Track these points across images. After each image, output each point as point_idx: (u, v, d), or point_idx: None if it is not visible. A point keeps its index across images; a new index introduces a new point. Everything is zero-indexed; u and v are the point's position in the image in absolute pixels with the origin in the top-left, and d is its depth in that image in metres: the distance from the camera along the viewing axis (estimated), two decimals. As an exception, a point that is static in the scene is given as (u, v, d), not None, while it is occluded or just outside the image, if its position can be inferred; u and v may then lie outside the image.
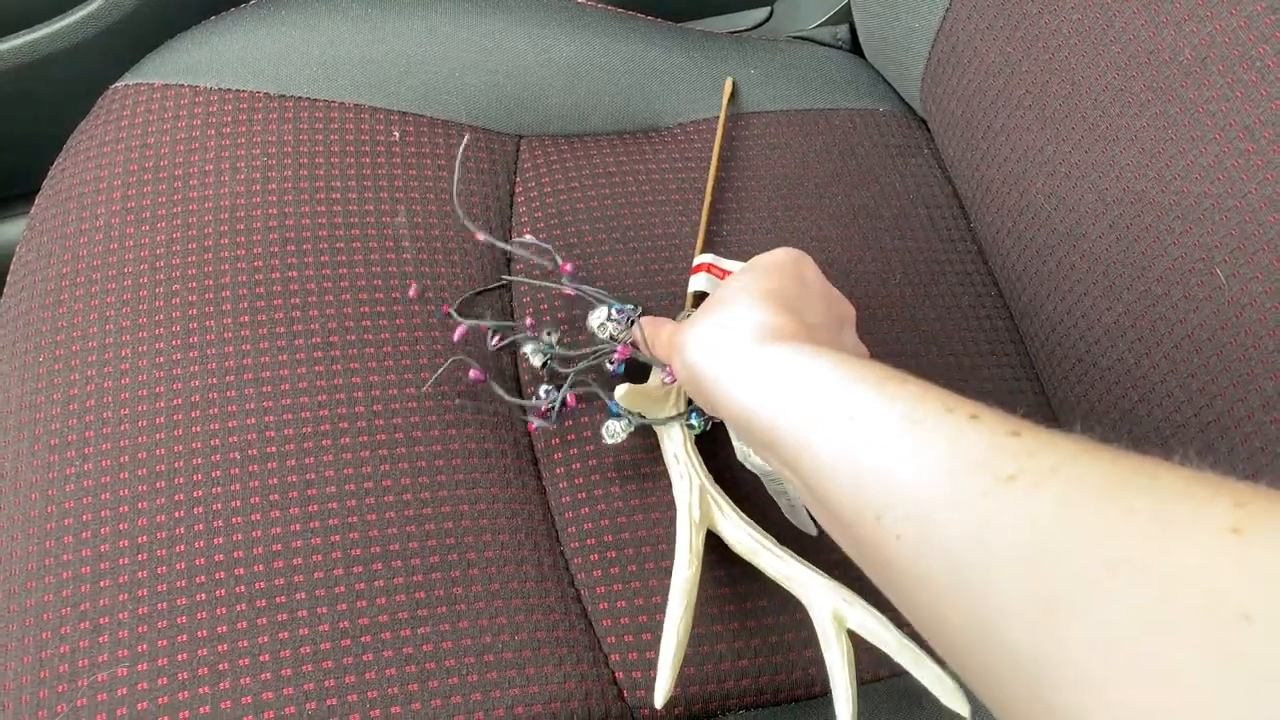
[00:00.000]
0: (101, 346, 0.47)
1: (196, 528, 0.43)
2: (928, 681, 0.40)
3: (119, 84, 0.56)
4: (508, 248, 0.51)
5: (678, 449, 0.46)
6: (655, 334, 0.45)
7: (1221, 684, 0.18)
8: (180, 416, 0.45)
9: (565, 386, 0.47)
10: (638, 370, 0.48)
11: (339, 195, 0.52)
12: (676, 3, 0.74)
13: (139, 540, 0.42)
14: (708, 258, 0.51)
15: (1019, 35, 0.53)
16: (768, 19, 0.79)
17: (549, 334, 0.49)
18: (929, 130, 0.64)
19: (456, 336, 0.49)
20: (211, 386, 0.46)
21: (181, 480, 0.44)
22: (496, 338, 0.50)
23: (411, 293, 0.50)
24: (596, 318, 0.48)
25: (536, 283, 0.52)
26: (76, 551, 0.42)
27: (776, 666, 0.45)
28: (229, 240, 0.50)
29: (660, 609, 0.42)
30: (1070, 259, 0.51)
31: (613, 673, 0.44)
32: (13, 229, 0.74)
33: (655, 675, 0.41)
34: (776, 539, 0.43)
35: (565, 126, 0.60)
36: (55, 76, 0.64)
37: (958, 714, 0.40)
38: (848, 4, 0.70)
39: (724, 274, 0.50)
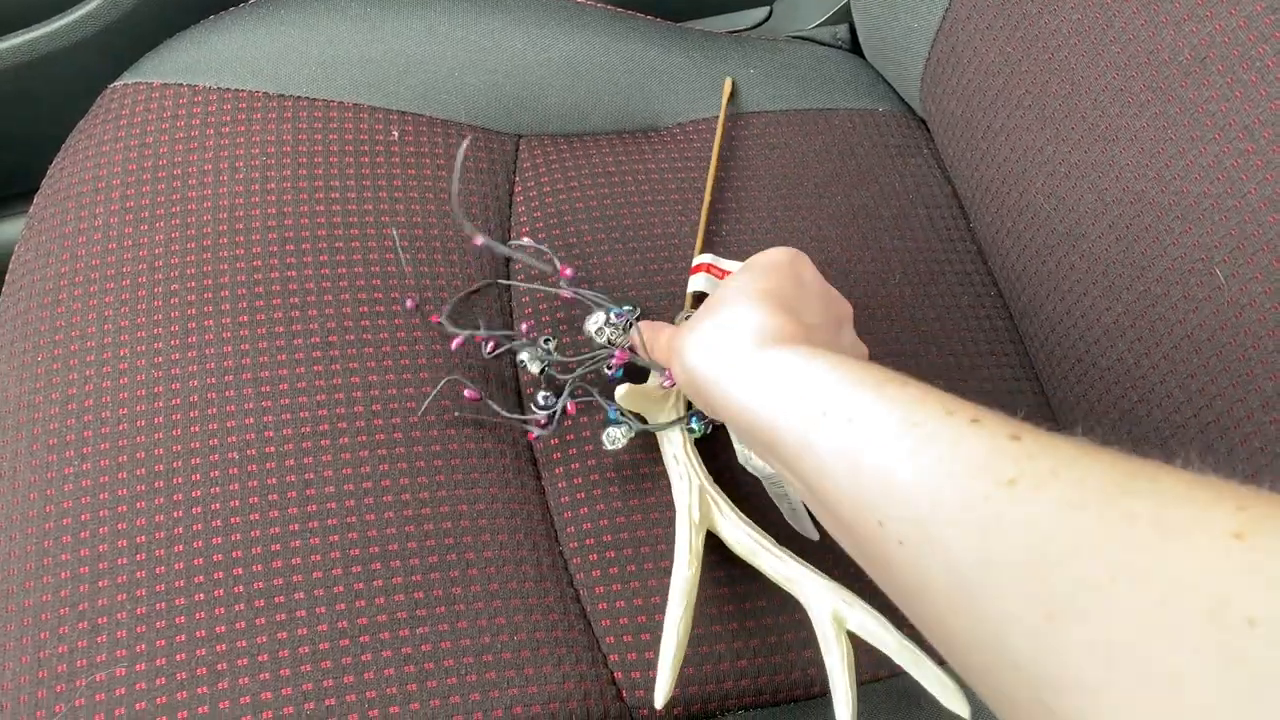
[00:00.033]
0: (100, 346, 0.47)
1: (195, 527, 0.43)
2: (927, 682, 0.40)
3: (118, 83, 0.56)
4: (508, 252, 0.51)
5: (677, 450, 0.46)
6: (653, 338, 0.45)
7: (1225, 689, 0.18)
8: (179, 416, 0.45)
9: (564, 396, 0.47)
10: (636, 375, 0.48)
11: (338, 195, 0.52)
12: (676, 2, 0.74)
13: (137, 540, 0.42)
14: (707, 258, 0.51)
15: (1018, 35, 0.53)
16: (767, 19, 0.79)
17: (546, 341, 0.49)
18: (928, 130, 0.64)
19: (454, 346, 0.48)
20: (210, 386, 0.46)
21: (180, 480, 0.44)
22: (492, 344, 0.50)
23: (409, 305, 0.50)
24: (593, 323, 0.47)
25: (533, 287, 0.52)
26: (75, 551, 0.42)
27: (776, 667, 0.45)
28: (228, 240, 0.50)
29: (659, 609, 0.42)
30: (1070, 259, 0.51)
31: (612, 673, 0.44)
32: (11, 228, 0.74)
33: (654, 675, 0.41)
34: (776, 540, 0.43)
35: (564, 126, 0.60)
36: (54, 75, 0.63)
37: (957, 715, 0.40)
38: (847, 4, 0.70)
39: (723, 274, 0.50)
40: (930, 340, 0.55)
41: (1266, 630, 0.18)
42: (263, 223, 0.51)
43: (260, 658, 0.40)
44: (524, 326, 0.51)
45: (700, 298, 0.50)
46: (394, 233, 0.51)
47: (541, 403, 0.48)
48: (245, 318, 0.48)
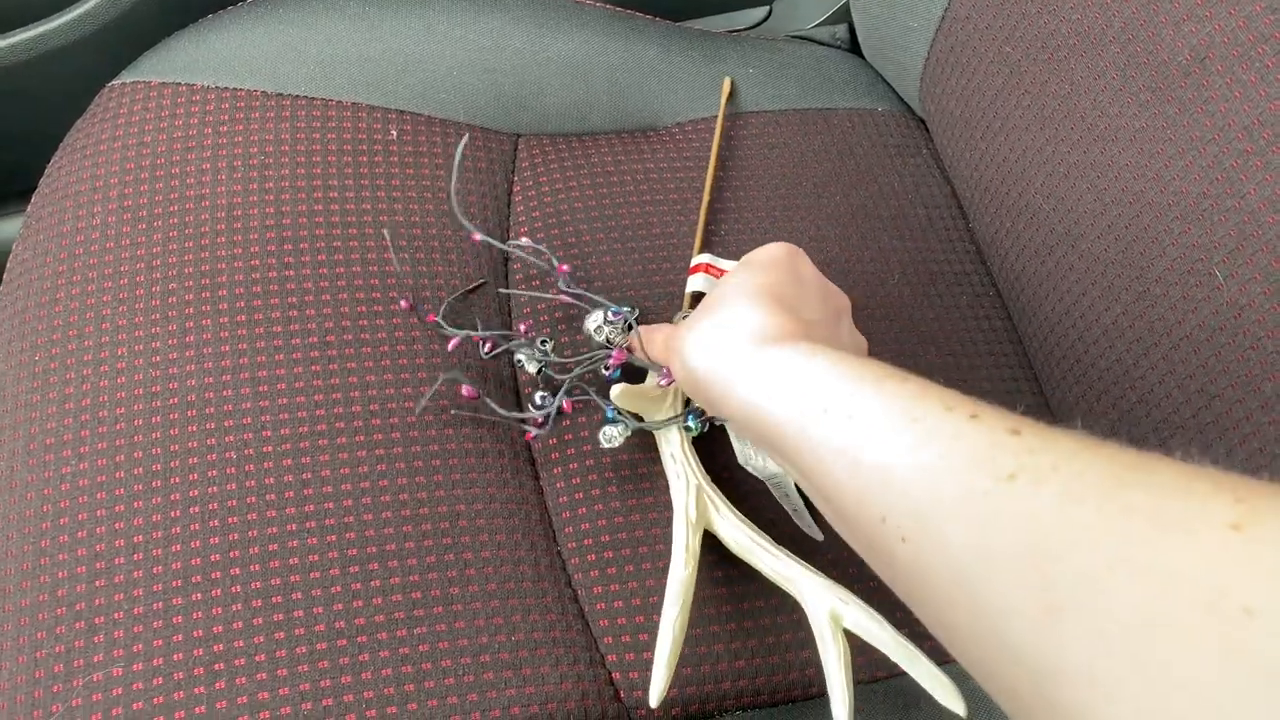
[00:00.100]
0: (98, 345, 0.47)
1: (193, 527, 0.43)
2: (924, 680, 0.40)
3: (116, 82, 0.56)
4: (504, 247, 0.51)
5: (675, 449, 0.46)
6: (650, 337, 0.45)
7: (1224, 679, 0.18)
8: (176, 416, 0.45)
9: (560, 393, 0.47)
10: (634, 375, 0.48)
11: (336, 194, 0.52)
12: (675, 2, 0.74)
13: (135, 540, 0.42)
14: (705, 258, 0.51)
15: (1018, 35, 0.53)
16: (766, 18, 0.79)
17: (543, 341, 0.49)
18: (927, 130, 0.64)
19: (451, 346, 0.48)
20: (208, 386, 0.46)
21: (178, 480, 0.44)
22: (489, 344, 0.50)
23: (404, 305, 0.50)
24: (593, 321, 0.48)
25: (530, 293, 0.52)
26: (72, 551, 0.42)
27: (773, 667, 0.45)
28: (226, 239, 0.50)
29: (658, 609, 0.42)
30: (1069, 259, 0.51)
31: (609, 673, 0.44)
32: (9, 227, 0.74)
33: (652, 676, 0.41)
34: (773, 539, 0.43)
35: (563, 125, 0.60)
36: (52, 74, 0.63)
37: (955, 715, 0.40)
38: (846, 3, 0.70)
39: (721, 274, 0.50)
40: (929, 340, 0.55)
41: (1265, 621, 0.18)
42: (261, 222, 0.51)
43: (258, 658, 0.40)
44: (522, 327, 0.51)
45: (698, 298, 0.50)
46: (386, 231, 0.51)
47: (539, 403, 0.48)
48: (243, 317, 0.48)
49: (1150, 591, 0.20)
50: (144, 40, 0.59)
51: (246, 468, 0.44)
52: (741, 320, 0.36)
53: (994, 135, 0.55)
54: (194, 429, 0.45)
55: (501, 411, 0.48)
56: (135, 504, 0.43)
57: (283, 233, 0.50)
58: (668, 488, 0.46)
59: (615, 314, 0.47)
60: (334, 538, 0.43)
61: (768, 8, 0.79)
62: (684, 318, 0.49)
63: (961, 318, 0.56)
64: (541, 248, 0.51)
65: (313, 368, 0.47)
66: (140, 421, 0.45)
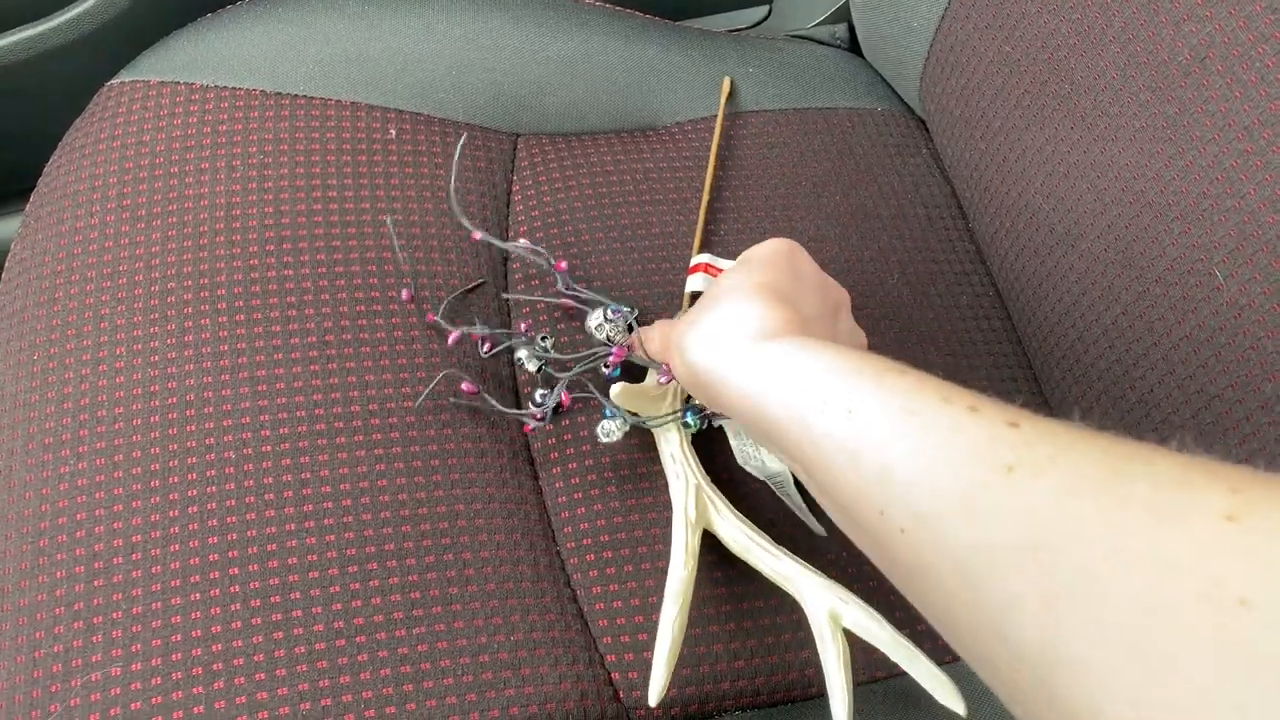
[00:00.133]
0: (96, 345, 0.47)
1: (191, 527, 0.43)
2: (923, 679, 0.40)
3: (114, 81, 0.56)
4: (504, 246, 0.51)
5: (674, 449, 0.45)
6: (647, 335, 0.45)
7: (1220, 670, 0.18)
8: (175, 415, 0.45)
9: (559, 387, 0.47)
10: (633, 373, 0.48)
11: (335, 194, 0.52)
12: (675, 1, 0.74)
13: (133, 540, 0.42)
14: (705, 257, 0.51)
15: (1018, 35, 0.53)
16: (766, 17, 0.79)
17: (543, 339, 0.49)
18: (927, 130, 0.64)
19: (451, 341, 0.48)
20: (206, 385, 0.46)
21: (176, 479, 0.44)
22: (488, 344, 0.50)
23: (405, 296, 0.50)
24: (593, 319, 0.48)
25: (528, 297, 0.52)
26: (71, 550, 0.42)
27: (773, 667, 0.45)
28: (224, 238, 0.50)
29: (657, 609, 0.42)
30: (1068, 259, 0.51)
31: (609, 673, 0.44)
32: (8, 226, 0.74)
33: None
34: (773, 539, 0.43)
35: (563, 125, 0.60)
36: (51, 73, 0.63)
37: (955, 715, 0.40)
38: (846, 3, 0.70)
39: (721, 273, 0.50)
40: (928, 340, 0.55)
41: (1259, 611, 0.18)
42: (260, 221, 0.51)
43: (256, 658, 0.40)
44: (522, 326, 0.51)
45: (697, 297, 0.50)
46: (389, 219, 0.51)
47: (539, 400, 0.48)
48: (242, 316, 0.48)
49: (1147, 582, 0.20)
50: (143, 39, 0.58)
51: (245, 467, 0.44)
52: (740, 315, 0.36)
53: (994, 135, 0.55)
54: (193, 428, 0.45)
55: (501, 408, 0.48)
56: (134, 503, 0.43)
57: (282, 232, 0.50)
58: (667, 487, 0.46)
59: (615, 312, 0.47)
60: (333, 537, 0.43)
61: (767, 7, 0.79)
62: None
63: (961, 317, 0.56)
64: (540, 249, 0.51)
65: (311, 367, 0.47)
66: (139, 421, 0.45)
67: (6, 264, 0.51)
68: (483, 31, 0.60)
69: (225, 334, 0.47)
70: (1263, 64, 0.41)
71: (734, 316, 0.36)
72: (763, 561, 0.43)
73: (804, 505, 0.46)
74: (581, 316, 0.51)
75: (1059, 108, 0.50)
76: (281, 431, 0.45)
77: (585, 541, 0.46)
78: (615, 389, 0.44)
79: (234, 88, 0.55)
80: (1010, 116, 0.54)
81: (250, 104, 0.54)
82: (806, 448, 0.30)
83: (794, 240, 0.41)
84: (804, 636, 0.45)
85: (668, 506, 0.46)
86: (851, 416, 0.29)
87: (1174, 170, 0.44)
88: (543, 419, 0.47)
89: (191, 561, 0.42)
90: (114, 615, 0.41)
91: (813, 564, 0.42)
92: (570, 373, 0.47)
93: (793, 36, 0.73)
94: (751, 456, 0.47)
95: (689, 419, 0.46)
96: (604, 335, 0.48)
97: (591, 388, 0.47)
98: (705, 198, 0.56)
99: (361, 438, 0.46)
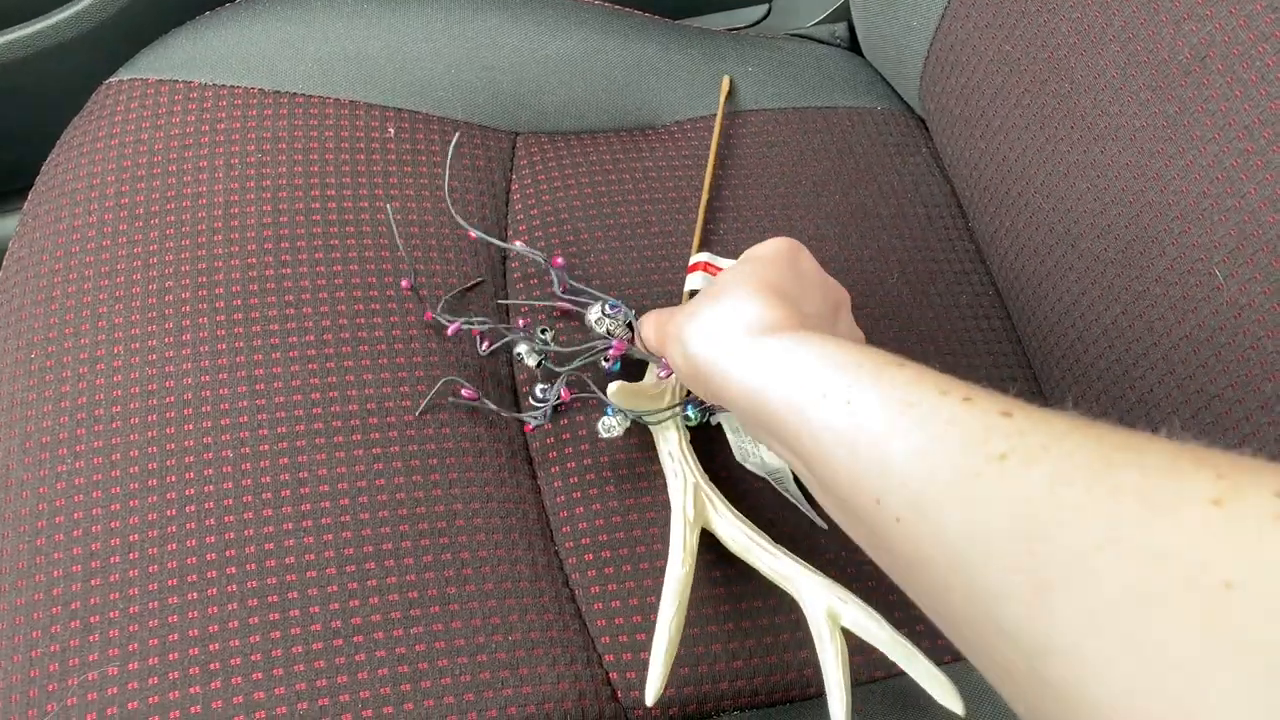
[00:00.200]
0: (94, 344, 0.47)
1: (188, 526, 0.43)
2: (921, 678, 0.40)
3: (113, 79, 0.56)
4: (501, 244, 0.51)
5: (672, 447, 0.45)
6: (641, 323, 0.46)
7: (1207, 652, 0.18)
8: (173, 414, 0.45)
9: (559, 382, 0.47)
10: (633, 367, 0.48)
11: (333, 192, 0.52)
12: (674, -1, 0.74)
13: (130, 539, 0.42)
14: (704, 256, 0.51)
15: (1018, 33, 0.53)
16: (766, 16, 0.79)
17: (543, 330, 0.49)
18: (927, 129, 0.64)
19: (451, 331, 0.48)
20: (204, 384, 0.46)
21: (173, 478, 0.44)
22: (486, 343, 0.50)
23: (404, 284, 0.50)
24: (593, 314, 0.48)
25: (528, 301, 0.52)
26: (68, 550, 0.42)
27: (771, 667, 0.45)
28: (222, 237, 0.50)
29: (655, 609, 0.42)
30: (1068, 258, 0.51)
31: (606, 673, 0.44)
32: (5, 225, 0.74)
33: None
34: (771, 538, 0.43)
35: (561, 123, 0.60)
36: (49, 71, 0.63)
37: (954, 714, 0.39)
38: (846, 1, 0.70)
39: (720, 272, 0.50)
40: (928, 339, 0.55)
41: (1243, 593, 0.18)
42: (258, 220, 0.50)
43: (253, 657, 0.40)
44: (520, 323, 0.51)
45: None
46: (388, 206, 0.51)
47: (540, 395, 0.48)
48: (239, 315, 0.48)
49: (1139, 570, 0.20)
50: (141, 37, 0.58)
51: (243, 466, 0.44)
52: (741, 310, 0.36)
53: (993, 134, 0.55)
54: (190, 427, 0.45)
55: (502, 411, 0.48)
56: (131, 503, 0.43)
57: (280, 230, 0.50)
58: (665, 486, 0.46)
59: (613, 308, 0.47)
60: (331, 536, 0.43)
61: (767, 6, 0.79)
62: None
63: (960, 316, 0.56)
64: (539, 252, 0.51)
65: (310, 366, 0.47)
66: (137, 420, 0.45)
67: (4, 262, 0.51)
68: (481, 30, 0.59)
69: (223, 332, 0.47)
70: (1263, 63, 0.41)
71: (735, 311, 0.36)
72: (761, 561, 0.43)
73: (804, 499, 0.46)
74: (578, 317, 0.51)
75: (1059, 107, 0.50)
76: (279, 430, 0.45)
77: (584, 541, 0.46)
78: (613, 387, 0.44)
79: (232, 86, 0.55)
80: (1010, 115, 0.54)
81: (249, 102, 0.54)
82: (805, 439, 0.31)
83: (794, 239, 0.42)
84: (802, 636, 0.44)
85: (666, 505, 0.46)
86: (851, 408, 0.29)
87: (1174, 170, 0.44)
88: (543, 418, 0.47)
89: (189, 561, 0.42)
90: (111, 615, 0.41)
91: (811, 563, 0.42)
92: (570, 366, 0.47)
93: (792, 35, 0.73)
94: (750, 453, 0.47)
95: (689, 411, 0.46)
96: (604, 329, 0.48)
97: (591, 384, 0.47)
98: (704, 197, 0.56)
99: (360, 437, 0.46)
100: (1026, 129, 0.52)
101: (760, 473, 0.47)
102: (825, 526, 0.46)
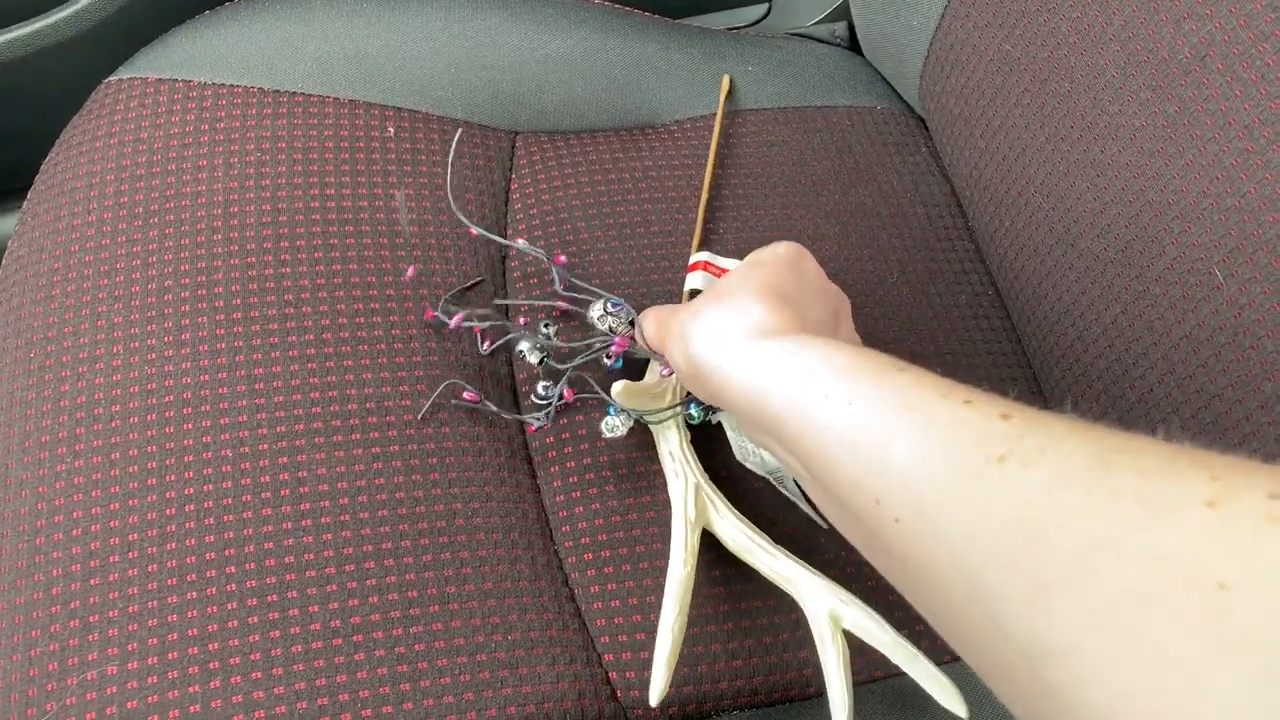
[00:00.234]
0: (93, 343, 0.47)
1: (187, 525, 0.43)
2: (923, 680, 0.40)
3: (112, 78, 0.56)
4: (502, 241, 0.51)
5: (673, 447, 0.45)
6: (642, 319, 0.46)
7: (1206, 653, 0.19)
8: (172, 414, 0.45)
9: (562, 381, 0.47)
10: (634, 366, 0.48)
11: (333, 191, 0.52)
12: (674, -1, 0.73)
13: (130, 538, 0.42)
14: (704, 256, 0.51)
15: (1018, 33, 0.52)
16: (766, 15, 0.79)
17: (545, 325, 0.49)
18: (927, 128, 0.64)
19: (453, 324, 0.48)
20: (203, 384, 0.46)
21: (172, 478, 0.43)
22: (487, 342, 0.49)
23: (410, 272, 0.50)
24: (595, 311, 0.48)
25: (528, 302, 0.52)
26: (67, 549, 0.42)
27: (771, 667, 0.45)
28: (222, 236, 0.50)
29: (655, 609, 0.42)
30: (1068, 258, 0.51)
31: (606, 673, 0.44)
32: (4, 224, 0.74)
33: (649, 675, 0.41)
34: (772, 538, 0.43)
35: (561, 123, 0.60)
36: (49, 71, 0.63)
37: (955, 715, 0.39)
38: (846, 1, 0.70)
39: (720, 272, 0.50)
40: (927, 338, 0.55)
41: (1238, 593, 0.18)
42: (257, 219, 0.50)
43: (252, 656, 0.40)
44: (520, 321, 0.51)
45: (696, 296, 0.50)
46: (399, 194, 0.51)
47: (542, 393, 0.48)
48: (239, 314, 0.48)
49: (1137, 571, 0.20)
50: (141, 36, 0.58)
51: (242, 465, 0.44)
52: (745, 313, 0.36)
53: (993, 133, 0.55)
54: (189, 426, 0.45)
55: (504, 413, 0.48)
56: (130, 502, 0.43)
57: (279, 230, 0.50)
58: (665, 486, 0.46)
59: (615, 305, 0.48)
60: (330, 536, 0.43)
61: (767, 5, 0.78)
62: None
63: (960, 316, 0.56)
64: (539, 250, 0.51)
65: (309, 365, 0.47)
66: (135, 419, 0.45)
67: (3, 261, 0.51)
68: (481, 29, 0.59)
69: (223, 332, 0.47)
70: (1263, 62, 0.41)
71: (738, 313, 0.37)
72: (762, 562, 0.43)
73: (804, 499, 0.46)
74: (577, 317, 0.51)
75: (1059, 106, 0.50)
76: (279, 430, 0.45)
77: (583, 540, 0.46)
78: (617, 387, 0.44)
79: (232, 85, 0.55)
80: (1010, 115, 0.54)
81: (248, 101, 0.54)
82: (806, 441, 0.31)
83: (794, 239, 0.42)
84: (802, 636, 0.44)
85: (667, 505, 0.46)
86: (852, 410, 0.30)
87: (1174, 169, 0.44)
88: (547, 419, 0.47)
89: (188, 560, 0.42)
90: (110, 614, 0.41)
91: (812, 564, 0.42)
92: (573, 362, 0.47)
93: (792, 34, 0.73)
94: (751, 453, 0.47)
95: (692, 409, 0.46)
96: (606, 326, 0.48)
97: (593, 384, 0.47)
98: (704, 196, 0.56)
99: (359, 436, 0.46)
100: (1026, 128, 0.52)
101: (760, 472, 0.47)
102: (825, 526, 0.46)
